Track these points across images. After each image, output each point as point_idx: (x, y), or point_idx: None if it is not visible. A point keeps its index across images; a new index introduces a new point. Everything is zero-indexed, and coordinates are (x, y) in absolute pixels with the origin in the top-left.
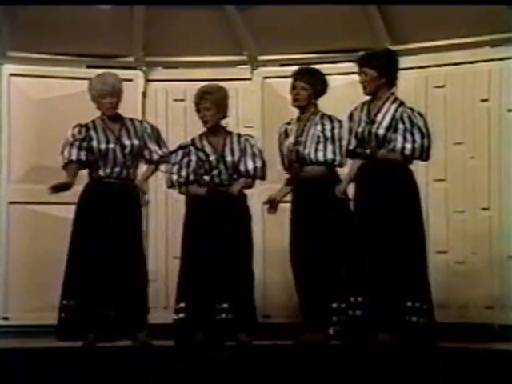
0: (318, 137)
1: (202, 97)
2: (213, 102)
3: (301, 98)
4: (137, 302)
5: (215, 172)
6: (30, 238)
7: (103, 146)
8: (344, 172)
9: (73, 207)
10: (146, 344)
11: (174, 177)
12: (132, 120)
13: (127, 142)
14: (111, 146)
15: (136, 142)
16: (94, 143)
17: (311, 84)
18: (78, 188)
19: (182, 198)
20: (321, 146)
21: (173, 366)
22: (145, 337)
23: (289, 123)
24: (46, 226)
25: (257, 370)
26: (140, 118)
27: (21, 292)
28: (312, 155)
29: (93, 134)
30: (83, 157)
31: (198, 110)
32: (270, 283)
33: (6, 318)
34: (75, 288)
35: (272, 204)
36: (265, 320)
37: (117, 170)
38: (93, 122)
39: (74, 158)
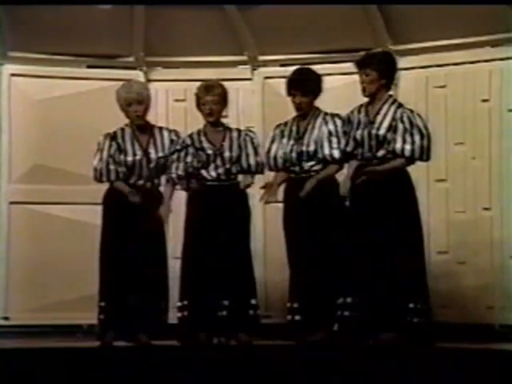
0: (330, 133)
1: (208, 90)
2: (220, 96)
3: (304, 106)
4: (156, 300)
5: (212, 167)
6: (31, 237)
7: (130, 159)
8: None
9: (72, 207)
10: (146, 344)
11: (173, 173)
12: (161, 130)
13: (153, 156)
14: (138, 158)
15: (162, 154)
16: (122, 155)
17: (310, 91)
18: (78, 188)
19: (181, 198)
20: (335, 143)
21: (173, 366)
22: (145, 337)
23: (283, 124)
24: (46, 226)
25: (257, 370)
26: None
27: (21, 292)
28: (327, 152)
29: (121, 144)
30: (113, 177)
31: (202, 104)
32: (270, 283)
33: (6, 318)
34: (112, 290)
35: (269, 189)
36: (265, 320)
37: (141, 182)
38: (122, 129)
39: (104, 179)
